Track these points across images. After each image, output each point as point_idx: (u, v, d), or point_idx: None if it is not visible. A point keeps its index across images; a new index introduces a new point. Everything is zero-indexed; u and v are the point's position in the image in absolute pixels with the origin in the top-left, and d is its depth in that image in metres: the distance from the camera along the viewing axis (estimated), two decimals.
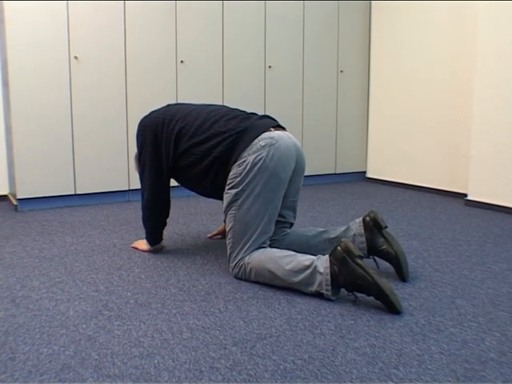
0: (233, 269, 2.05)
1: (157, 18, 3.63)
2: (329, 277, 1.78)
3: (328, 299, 1.83)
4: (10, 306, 1.77)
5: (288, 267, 1.87)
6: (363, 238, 2.08)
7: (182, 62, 3.76)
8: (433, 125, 4.08)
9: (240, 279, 2.05)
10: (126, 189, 3.68)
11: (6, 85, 3.38)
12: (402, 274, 2.03)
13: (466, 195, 3.66)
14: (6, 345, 1.48)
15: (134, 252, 2.43)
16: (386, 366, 1.37)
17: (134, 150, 3.65)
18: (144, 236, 2.65)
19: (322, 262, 1.80)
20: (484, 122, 3.41)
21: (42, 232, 2.80)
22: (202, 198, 3.82)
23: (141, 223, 3.02)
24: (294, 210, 2.24)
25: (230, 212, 2.04)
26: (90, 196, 3.57)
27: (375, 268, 2.14)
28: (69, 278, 2.07)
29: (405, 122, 4.33)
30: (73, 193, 3.48)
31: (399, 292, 1.92)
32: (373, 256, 2.11)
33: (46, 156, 3.36)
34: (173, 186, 3.84)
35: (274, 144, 2.00)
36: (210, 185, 2.15)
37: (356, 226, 2.13)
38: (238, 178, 2.00)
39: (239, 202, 2.01)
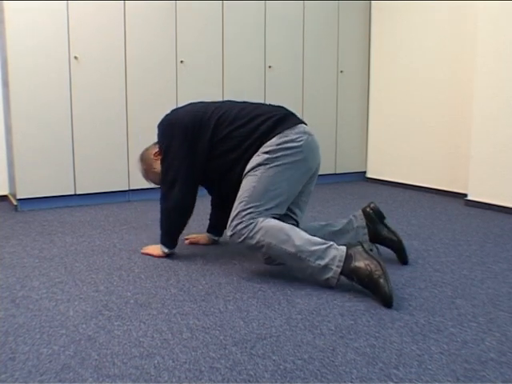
0: (236, 226, 1.98)
1: (157, 18, 3.63)
2: (344, 254, 1.86)
3: (329, 284, 1.87)
4: (9, 306, 1.77)
5: (306, 237, 1.92)
6: (365, 230, 2.23)
7: (181, 62, 3.76)
8: (433, 125, 4.08)
9: (239, 238, 1.98)
10: (126, 189, 3.68)
11: (5, 85, 3.38)
12: (405, 258, 2.25)
13: (466, 195, 3.67)
14: (6, 345, 1.48)
15: (133, 252, 2.43)
16: (386, 366, 1.37)
17: (134, 149, 3.65)
18: (155, 240, 2.59)
19: (340, 246, 1.91)
20: (484, 122, 3.41)
21: (41, 232, 2.80)
22: (202, 199, 3.82)
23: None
24: (303, 211, 2.25)
25: (253, 173, 2.03)
26: (90, 196, 3.57)
27: (378, 254, 2.24)
28: (69, 278, 2.07)
29: (405, 122, 4.33)
30: (73, 193, 3.48)
31: (399, 292, 1.92)
32: (375, 244, 2.23)
33: (46, 156, 3.36)
34: None
35: (312, 135, 2.11)
36: (242, 171, 2.12)
37: (358, 218, 2.25)
38: (276, 147, 2.02)
39: (268, 166, 2.01)
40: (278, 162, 2.02)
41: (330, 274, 1.87)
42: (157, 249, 2.36)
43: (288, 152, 2.03)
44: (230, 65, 3.97)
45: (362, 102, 4.70)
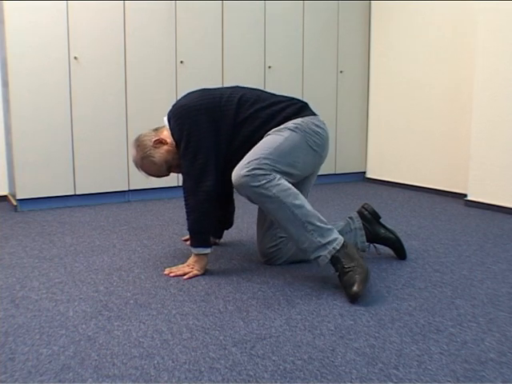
0: (253, 169, 1.86)
1: (156, 19, 3.63)
2: (343, 241, 1.89)
3: (319, 262, 1.88)
4: (9, 306, 1.77)
5: (315, 212, 1.91)
6: (363, 232, 2.24)
7: (181, 62, 3.76)
8: (432, 125, 4.08)
9: (252, 182, 1.85)
10: (126, 189, 3.68)
11: (5, 85, 3.38)
12: (403, 254, 2.31)
13: (465, 195, 3.67)
14: (6, 345, 1.48)
15: (133, 252, 2.43)
16: (386, 367, 1.37)
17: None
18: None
19: (339, 234, 1.94)
20: (484, 122, 3.42)
21: (41, 232, 2.80)
22: None
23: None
24: None
25: (279, 133, 1.98)
26: (90, 196, 3.57)
27: (377, 253, 2.36)
28: (68, 278, 2.07)
29: (405, 123, 4.33)
30: (72, 193, 3.48)
31: (399, 292, 1.92)
32: (373, 244, 2.30)
33: (45, 156, 3.36)
34: (173, 186, 3.85)
35: (327, 130, 2.13)
36: None
37: (354, 220, 2.25)
38: (304, 124, 2.01)
39: (295, 133, 1.97)
40: (305, 137, 2.00)
41: (323, 253, 1.87)
42: (193, 263, 2.12)
43: (313, 133, 2.02)
44: (230, 65, 3.97)
45: (362, 102, 4.70)
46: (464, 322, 1.65)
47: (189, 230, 2.08)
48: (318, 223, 1.89)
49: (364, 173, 4.82)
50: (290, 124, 2.00)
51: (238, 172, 1.88)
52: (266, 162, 1.89)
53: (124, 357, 1.42)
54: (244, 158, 1.92)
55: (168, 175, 2.23)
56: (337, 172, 4.65)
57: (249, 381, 1.30)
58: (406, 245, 2.57)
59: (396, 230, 2.86)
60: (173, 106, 2.12)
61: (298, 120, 2.02)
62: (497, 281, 2.06)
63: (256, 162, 1.87)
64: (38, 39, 3.26)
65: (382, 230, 2.28)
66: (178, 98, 3.78)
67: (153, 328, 1.60)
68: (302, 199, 1.89)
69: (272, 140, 1.95)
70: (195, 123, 2.01)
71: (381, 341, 1.52)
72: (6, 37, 3.17)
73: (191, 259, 2.15)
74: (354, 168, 4.74)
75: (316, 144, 2.03)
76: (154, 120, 3.68)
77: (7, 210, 3.42)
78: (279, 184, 1.87)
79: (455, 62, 3.85)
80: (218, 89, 2.13)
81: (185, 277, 2.06)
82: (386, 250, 2.41)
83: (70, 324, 1.63)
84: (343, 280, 1.84)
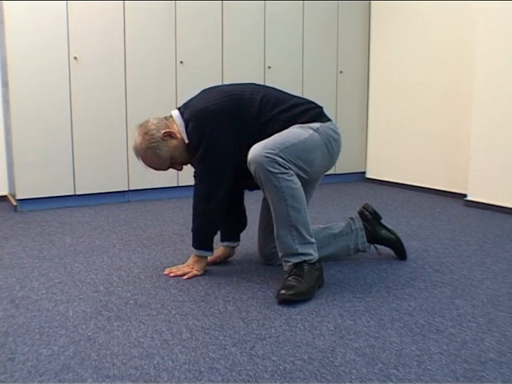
0: (274, 154, 1.82)
1: (156, 19, 3.63)
2: (315, 261, 1.92)
3: (287, 266, 1.90)
4: (9, 306, 1.77)
5: (307, 222, 1.90)
6: (363, 232, 2.24)
7: (181, 62, 3.76)
8: (432, 125, 4.08)
9: (267, 166, 1.81)
10: (126, 189, 3.68)
11: (5, 85, 3.38)
12: (403, 255, 2.33)
13: (465, 195, 3.67)
14: (6, 345, 1.48)
15: (133, 252, 2.43)
16: (386, 367, 1.37)
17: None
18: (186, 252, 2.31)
19: (315, 254, 1.95)
20: (483, 122, 3.41)
21: (41, 232, 2.80)
22: None
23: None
24: None
25: (302, 129, 1.96)
26: (90, 196, 3.57)
27: (378, 253, 2.37)
28: (68, 278, 2.07)
29: (404, 123, 4.33)
30: (72, 193, 3.48)
31: (399, 292, 1.92)
32: (373, 244, 2.30)
33: (45, 156, 3.36)
34: (173, 187, 3.85)
35: (341, 137, 2.13)
36: None
37: (355, 221, 2.26)
38: (324, 127, 2.01)
39: (317, 134, 1.97)
40: (324, 140, 2.00)
41: (294, 260, 1.87)
42: (192, 263, 2.11)
43: (331, 138, 2.02)
44: (230, 65, 3.97)
45: (362, 102, 4.70)
46: (464, 322, 1.65)
47: (193, 231, 2.07)
48: (304, 233, 1.88)
49: (364, 173, 4.82)
50: (313, 125, 2.00)
51: (260, 150, 1.83)
52: (289, 152, 1.86)
53: (124, 357, 1.42)
54: (270, 139, 1.88)
55: (166, 170, 2.15)
56: (336, 172, 4.65)
57: (248, 381, 1.30)
58: (405, 245, 2.57)
59: (396, 230, 2.85)
60: (190, 107, 2.01)
61: (318, 124, 2.01)
62: (496, 281, 2.06)
63: (280, 148, 1.85)
64: (38, 39, 3.25)
65: (383, 231, 2.28)
66: (178, 98, 3.77)
67: (152, 328, 1.60)
68: (302, 204, 1.89)
69: (298, 133, 1.94)
70: (216, 128, 1.94)
71: (380, 341, 1.52)
72: (5, 37, 3.17)
73: (191, 259, 2.13)
74: (354, 168, 4.74)
75: (332, 149, 2.04)
76: None
77: (7, 210, 3.42)
78: (290, 180, 1.86)
79: (455, 61, 3.85)
80: (236, 86, 2.06)
81: (184, 277, 2.06)
82: (386, 250, 2.41)
83: (69, 324, 1.63)
84: (286, 279, 1.86)
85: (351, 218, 2.27)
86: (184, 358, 1.41)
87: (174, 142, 2.02)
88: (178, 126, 2.04)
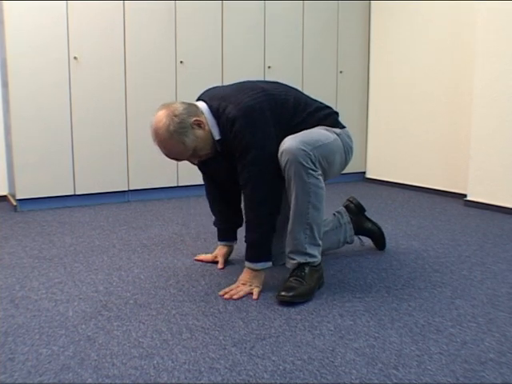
0: (308, 151, 1.81)
1: (156, 19, 3.63)
2: (318, 263, 1.93)
3: (290, 264, 1.91)
4: (9, 306, 1.77)
5: (321, 224, 1.92)
6: (351, 225, 2.32)
7: (181, 62, 3.76)
8: (432, 125, 4.08)
9: (298, 162, 1.79)
10: (126, 189, 3.67)
11: (5, 85, 3.38)
12: (383, 245, 2.45)
13: (465, 195, 3.67)
14: (6, 345, 1.48)
15: (133, 252, 2.43)
16: (386, 367, 1.37)
17: (133, 149, 3.65)
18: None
19: (320, 257, 1.96)
20: (483, 122, 3.42)
21: (41, 232, 2.80)
22: (202, 199, 3.81)
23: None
24: None
25: (327, 131, 1.98)
26: (89, 196, 3.57)
27: (361, 244, 2.51)
28: (68, 278, 2.07)
29: (404, 123, 4.33)
30: (72, 193, 3.48)
31: (398, 292, 1.92)
32: (358, 236, 2.41)
33: (45, 156, 3.36)
34: (172, 186, 3.85)
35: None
36: None
37: (343, 215, 2.32)
38: (343, 134, 2.04)
39: (339, 139, 2.00)
40: (343, 146, 2.02)
41: (299, 259, 1.88)
42: (249, 279, 1.92)
43: (348, 145, 2.05)
44: (230, 65, 3.97)
45: (362, 101, 4.70)
46: (464, 322, 1.65)
47: (254, 243, 1.90)
48: (316, 234, 1.89)
49: (364, 173, 4.82)
50: (335, 130, 2.02)
51: (297, 143, 1.81)
52: (319, 151, 1.86)
53: (124, 357, 1.42)
54: (303, 135, 1.87)
55: (180, 161, 2.07)
56: None
57: (248, 381, 1.30)
58: (405, 245, 2.57)
59: (396, 230, 2.86)
60: (229, 102, 1.87)
61: (338, 130, 2.04)
62: (496, 281, 2.06)
63: (314, 146, 1.84)
64: (38, 39, 3.25)
65: (367, 223, 2.40)
66: (178, 98, 3.77)
67: (152, 328, 1.60)
68: (322, 205, 1.90)
69: (327, 135, 1.95)
70: (265, 127, 1.86)
71: (380, 341, 1.52)
72: (5, 37, 3.17)
73: (247, 275, 1.93)
74: (354, 168, 4.74)
75: (348, 156, 2.07)
76: None
77: (7, 210, 3.42)
78: (318, 179, 1.86)
79: (455, 61, 3.85)
80: (268, 84, 2.00)
81: (254, 297, 1.86)
82: (369, 241, 2.51)
83: (69, 324, 1.63)
84: (287, 280, 1.87)
85: (338, 212, 2.32)
86: (184, 358, 1.41)
87: (201, 132, 1.87)
88: (207, 118, 1.90)
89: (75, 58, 3.38)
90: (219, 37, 3.90)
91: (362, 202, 3.72)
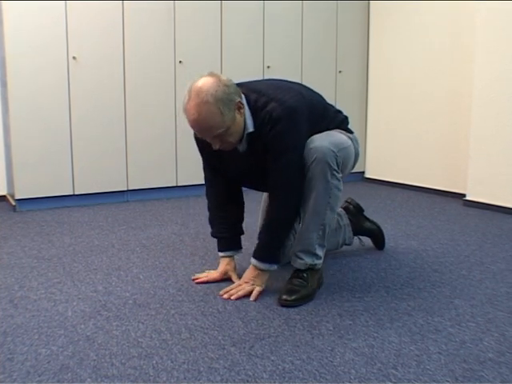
0: (336, 152, 1.82)
1: (155, 19, 3.63)
2: (320, 269, 1.95)
3: (298, 264, 1.90)
4: (8, 306, 1.77)
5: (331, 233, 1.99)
6: (350, 227, 2.34)
7: (180, 62, 3.76)
8: (432, 125, 4.08)
9: (326, 162, 1.79)
10: (125, 189, 3.67)
11: (4, 85, 3.38)
12: (382, 245, 2.47)
13: (464, 195, 3.67)
14: (5, 345, 1.48)
15: (132, 252, 2.43)
16: (385, 366, 1.37)
17: (132, 149, 3.64)
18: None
19: (321, 261, 1.95)
20: (483, 122, 3.42)
21: (40, 232, 2.80)
22: (201, 199, 3.81)
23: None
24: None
25: (343, 136, 1.99)
26: (89, 196, 3.57)
27: (361, 244, 2.49)
28: (67, 278, 2.07)
29: (403, 122, 4.33)
30: (71, 193, 3.48)
31: (398, 292, 1.92)
32: (358, 236, 2.41)
33: (44, 156, 3.35)
34: (171, 186, 3.85)
35: None
36: None
37: (342, 217, 2.33)
38: (350, 136, 2.05)
39: (353, 146, 2.03)
40: (354, 151, 2.05)
41: (307, 260, 1.87)
42: (252, 278, 1.89)
43: (357, 152, 2.09)
44: (229, 65, 3.97)
45: (361, 102, 4.70)
46: (463, 322, 1.65)
47: (268, 244, 1.88)
48: (326, 236, 1.90)
49: (363, 173, 4.82)
50: (349, 135, 2.05)
51: (327, 143, 1.81)
52: (341, 154, 1.87)
53: (123, 357, 1.42)
54: (329, 136, 1.87)
55: (201, 142, 1.91)
56: None
57: (248, 381, 1.30)
58: (404, 245, 2.57)
59: (395, 230, 2.86)
60: (270, 98, 1.80)
61: (351, 135, 2.07)
62: (495, 281, 2.06)
63: (339, 148, 1.86)
64: (37, 39, 3.25)
65: (366, 223, 2.41)
66: (177, 97, 3.77)
67: (151, 328, 1.60)
68: (337, 208, 1.94)
69: (345, 139, 1.97)
70: (304, 131, 1.84)
71: (379, 341, 1.52)
72: (4, 37, 3.17)
73: (250, 274, 1.90)
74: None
75: (355, 162, 2.11)
76: (152, 120, 3.68)
77: (6, 210, 3.42)
78: (339, 181, 1.87)
79: (454, 62, 3.85)
80: (298, 86, 1.97)
81: (251, 298, 1.84)
82: (369, 241, 2.50)
83: (68, 324, 1.63)
84: (289, 281, 1.87)
85: (338, 214, 2.31)
86: (183, 358, 1.41)
87: (238, 116, 1.77)
88: (244, 112, 1.81)
89: (74, 57, 3.38)
90: (218, 37, 3.90)
91: (361, 202, 3.71)
